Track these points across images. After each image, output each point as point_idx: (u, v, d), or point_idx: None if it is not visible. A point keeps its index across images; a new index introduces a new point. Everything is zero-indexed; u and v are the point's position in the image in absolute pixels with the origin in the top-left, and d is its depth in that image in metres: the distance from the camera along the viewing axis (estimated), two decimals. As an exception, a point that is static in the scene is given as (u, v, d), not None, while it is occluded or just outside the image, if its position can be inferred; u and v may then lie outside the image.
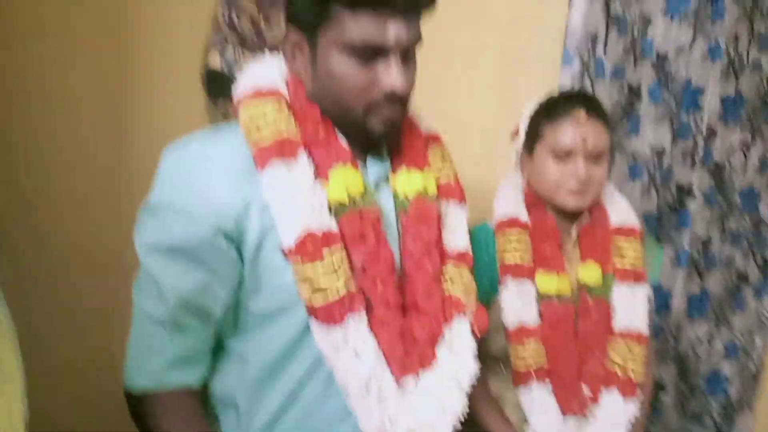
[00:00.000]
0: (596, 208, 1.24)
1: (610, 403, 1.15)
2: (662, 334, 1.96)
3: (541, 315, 1.15)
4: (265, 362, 0.85)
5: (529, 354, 1.14)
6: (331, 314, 0.81)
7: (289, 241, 0.81)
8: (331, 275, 0.81)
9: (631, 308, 1.19)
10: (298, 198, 0.82)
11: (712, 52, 1.79)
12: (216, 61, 1.47)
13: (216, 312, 0.84)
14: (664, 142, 1.81)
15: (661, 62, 1.74)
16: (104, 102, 1.39)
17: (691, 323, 1.99)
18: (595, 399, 1.15)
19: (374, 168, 0.92)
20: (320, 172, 0.85)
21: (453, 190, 1.01)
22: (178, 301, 0.81)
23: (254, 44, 1.49)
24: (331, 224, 0.84)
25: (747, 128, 1.90)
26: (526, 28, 1.65)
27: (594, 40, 1.61)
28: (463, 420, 0.91)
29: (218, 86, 1.45)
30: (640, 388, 1.17)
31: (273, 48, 1.50)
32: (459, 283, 0.97)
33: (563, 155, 1.14)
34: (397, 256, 0.91)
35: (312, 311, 0.82)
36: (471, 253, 1.02)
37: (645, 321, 1.20)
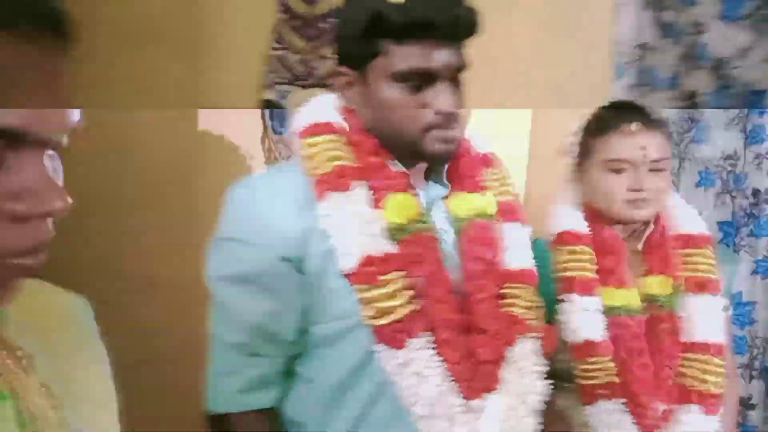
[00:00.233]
0: (662, 218, 1.21)
1: (690, 420, 1.10)
2: (748, 348, 1.85)
3: (608, 330, 1.12)
4: (331, 385, 0.88)
5: (596, 370, 1.11)
6: (393, 337, 0.84)
7: (349, 265, 0.84)
8: (392, 298, 0.84)
9: (705, 319, 1.14)
10: (356, 224, 0.85)
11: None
12: (271, 98, 1.55)
13: (286, 336, 0.88)
14: (737, 147, 1.74)
15: (719, 67, 1.69)
16: (176, 141, 1.49)
17: (778, 336, 1.86)
18: (671, 416, 1.11)
19: (432, 192, 0.95)
20: (377, 199, 0.89)
21: (513, 210, 1.02)
22: (250, 327, 0.86)
23: (305, 80, 1.57)
24: (389, 248, 0.86)
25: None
26: (571, 43, 1.65)
27: (644, 49, 1.58)
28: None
29: (274, 120, 1.53)
30: (721, 403, 1.11)
31: (323, 83, 1.56)
32: (523, 302, 0.97)
33: (618, 168, 1.13)
34: (457, 278, 0.92)
35: (375, 334, 0.84)
36: (535, 271, 1.01)
37: (721, 332, 1.14)
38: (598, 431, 1.12)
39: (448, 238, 0.94)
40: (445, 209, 0.96)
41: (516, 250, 1.00)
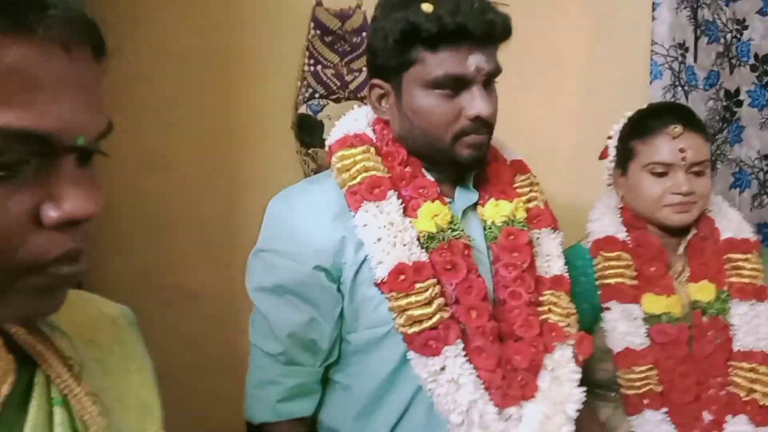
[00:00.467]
0: (704, 222, 1.17)
1: (738, 431, 1.06)
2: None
3: (650, 338, 1.10)
4: (366, 392, 0.89)
5: (639, 379, 1.08)
6: (426, 344, 0.84)
7: (382, 274, 0.86)
8: (425, 306, 0.85)
9: (753, 326, 1.10)
10: (389, 234, 0.86)
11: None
12: (305, 112, 1.58)
13: (323, 345, 0.90)
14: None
15: (761, 64, 1.63)
16: (215, 157, 1.54)
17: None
18: (719, 426, 1.07)
19: (463, 199, 0.95)
20: (409, 208, 0.90)
21: (543, 216, 1.02)
22: (288, 336, 0.88)
23: (339, 94, 1.59)
24: (421, 257, 0.87)
25: None
26: (609, 44, 1.62)
27: (682, 49, 1.55)
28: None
29: (309, 134, 1.56)
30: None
31: (356, 96, 1.59)
32: (558, 309, 0.97)
33: (661, 171, 1.11)
34: (490, 285, 0.92)
35: (408, 341, 0.85)
36: (567, 277, 1.01)
37: None
38: None
39: (479, 245, 0.94)
40: (476, 216, 0.97)
41: (549, 257, 1.00)
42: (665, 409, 1.08)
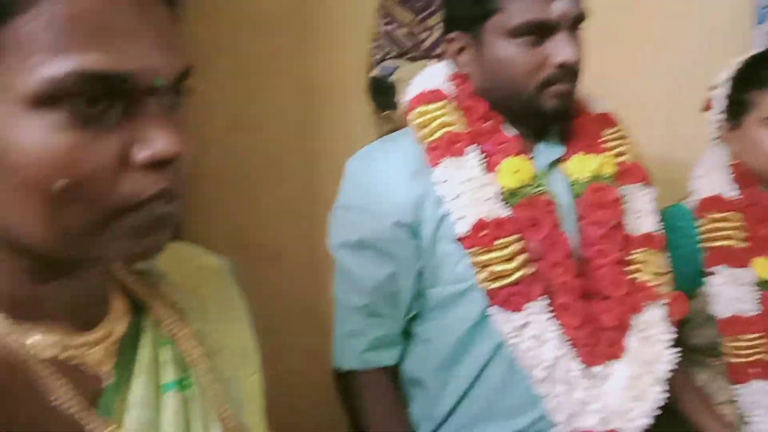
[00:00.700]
0: None
1: None
2: None
3: (762, 304, 1.03)
4: (447, 346, 0.90)
5: (747, 348, 1.03)
6: (509, 300, 0.84)
7: (463, 229, 0.85)
8: (507, 261, 0.84)
9: None
10: (469, 189, 0.86)
11: None
12: (378, 72, 1.57)
13: (404, 298, 0.91)
14: None
15: None
16: (296, 118, 1.57)
17: None
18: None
19: (547, 154, 0.93)
20: (490, 163, 0.88)
21: (634, 171, 0.97)
22: (370, 290, 0.90)
23: (413, 52, 1.57)
24: (503, 212, 0.86)
25: None
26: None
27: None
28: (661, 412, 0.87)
29: (383, 96, 1.55)
30: None
31: (429, 54, 1.56)
32: (649, 268, 0.93)
33: None
34: (576, 242, 0.90)
35: (490, 297, 0.85)
36: (660, 235, 0.96)
37: None
38: (747, 411, 1.04)
39: (565, 201, 0.92)
40: (561, 172, 0.93)
41: (639, 214, 0.95)
42: None
